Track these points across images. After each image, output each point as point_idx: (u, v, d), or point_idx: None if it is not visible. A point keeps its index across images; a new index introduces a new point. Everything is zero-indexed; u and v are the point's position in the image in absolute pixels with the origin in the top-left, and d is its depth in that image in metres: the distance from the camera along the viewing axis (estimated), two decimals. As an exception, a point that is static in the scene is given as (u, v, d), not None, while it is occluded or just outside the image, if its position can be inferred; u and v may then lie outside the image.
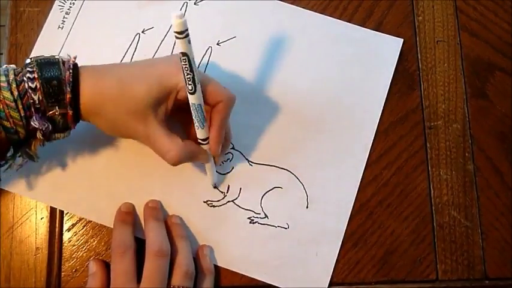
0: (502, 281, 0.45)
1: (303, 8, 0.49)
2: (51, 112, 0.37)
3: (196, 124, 0.39)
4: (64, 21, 0.48)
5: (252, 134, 0.46)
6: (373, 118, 0.47)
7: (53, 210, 0.45)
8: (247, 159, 0.46)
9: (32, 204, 0.45)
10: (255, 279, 0.44)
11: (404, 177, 0.46)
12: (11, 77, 0.36)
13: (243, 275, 0.44)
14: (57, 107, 0.37)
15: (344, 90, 0.48)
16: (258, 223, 0.45)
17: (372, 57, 0.48)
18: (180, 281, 0.40)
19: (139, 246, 0.42)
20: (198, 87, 0.37)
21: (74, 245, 0.44)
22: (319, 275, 0.44)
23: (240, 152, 0.46)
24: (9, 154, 0.39)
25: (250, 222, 0.45)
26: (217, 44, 0.48)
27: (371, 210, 0.45)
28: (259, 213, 0.45)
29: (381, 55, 0.48)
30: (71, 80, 0.36)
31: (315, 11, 0.49)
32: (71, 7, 0.49)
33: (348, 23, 0.49)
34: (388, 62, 0.48)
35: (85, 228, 0.45)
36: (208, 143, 0.41)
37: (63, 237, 0.45)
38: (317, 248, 0.44)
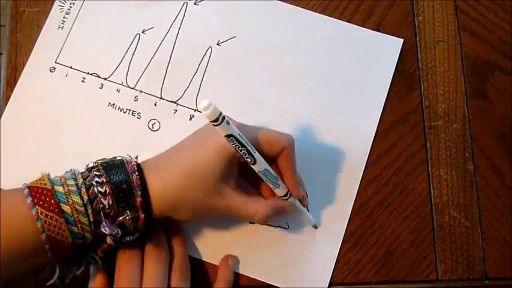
0: (502, 281, 0.45)
1: (303, 8, 0.49)
2: (121, 218, 0.36)
3: (271, 186, 0.39)
4: (64, 22, 0.48)
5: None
6: (372, 119, 0.47)
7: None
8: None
9: (32, 204, 0.45)
10: (254, 279, 0.44)
11: (404, 177, 0.46)
12: (80, 181, 0.35)
13: (242, 275, 0.44)
14: (128, 211, 0.36)
15: (344, 90, 0.48)
16: (258, 224, 0.45)
17: (371, 58, 0.48)
18: (177, 283, 0.39)
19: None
20: (257, 155, 0.37)
21: (74, 245, 0.44)
22: (319, 275, 0.44)
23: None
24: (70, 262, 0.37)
25: (250, 222, 0.45)
26: (218, 44, 0.48)
27: (371, 210, 0.45)
28: None
29: (381, 55, 0.48)
30: (139, 182, 0.36)
31: (315, 11, 0.49)
32: (71, 7, 0.49)
33: (348, 23, 0.49)
34: (388, 62, 0.48)
35: (85, 228, 0.45)
36: (289, 196, 0.40)
37: (64, 237, 0.45)
38: (317, 249, 0.44)
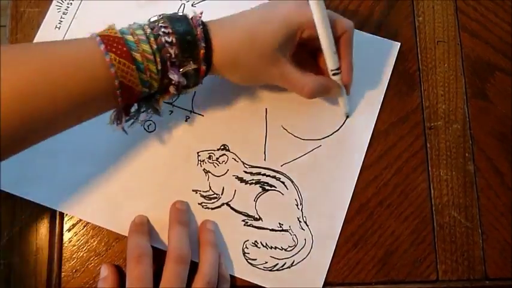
0: (502, 281, 0.45)
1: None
2: (185, 67, 0.37)
3: (326, 54, 0.41)
4: (61, 21, 0.48)
5: (248, 136, 0.46)
6: (369, 122, 0.47)
7: (53, 211, 0.45)
8: (242, 161, 0.46)
9: (33, 204, 0.45)
10: (247, 281, 0.44)
11: (404, 178, 0.46)
12: (148, 31, 0.36)
13: (236, 277, 0.44)
14: (191, 62, 0.37)
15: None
16: (252, 225, 0.45)
17: (368, 61, 0.48)
18: None
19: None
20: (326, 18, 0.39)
21: (74, 245, 0.44)
22: (313, 277, 0.44)
23: (235, 154, 0.46)
24: (133, 110, 0.39)
25: (244, 225, 0.45)
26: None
27: (371, 210, 0.45)
28: (254, 216, 0.45)
29: (378, 59, 0.48)
30: (203, 35, 0.37)
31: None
32: (68, 7, 0.49)
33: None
34: (385, 66, 0.48)
35: (85, 228, 0.45)
36: (339, 73, 0.42)
37: (64, 237, 0.45)
38: (311, 251, 0.44)
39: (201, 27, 0.38)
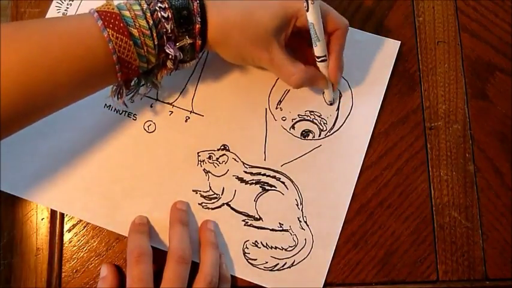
0: (502, 281, 0.45)
1: (304, 8, 0.49)
2: (181, 42, 0.38)
3: (313, 39, 0.41)
4: (62, 22, 0.48)
5: (248, 136, 0.46)
6: (369, 122, 0.47)
7: (53, 211, 0.45)
8: (242, 162, 0.46)
9: (33, 204, 0.45)
10: (247, 281, 0.44)
11: (404, 178, 0.46)
12: (144, 6, 0.37)
13: (236, 277, 0.44)
14: (187, 36, 0.38)
15: (341, 93, 0.48)
16: (253, 225, 0.45)
17: (369, 60, 0.48)
18: None
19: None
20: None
21: (74, 246, 0.44)
22: (313, 277, 0.44)
23: (235, 154, 0.46)
24: (132, 83, 0.40)
25: (244, 225, 0.45)
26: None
27: (371, 211, 0.45)
28: (254, 216, 0.45)
29: (379, 58, 0.48)
30: (199, 10, 0.38)
31: (316, 12, 0.49)
32: (68, 8, 0.49)
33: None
34: (385, 65, 0.48)
35: (86, 229, 0.45)
36: (325, 60, 0.43)
37: (64, 237, 0.45)
38: (311, 251, 0.44)
39: (197, 2, 0.38)
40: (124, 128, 0.46)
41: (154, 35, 0.37)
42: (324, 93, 0.47)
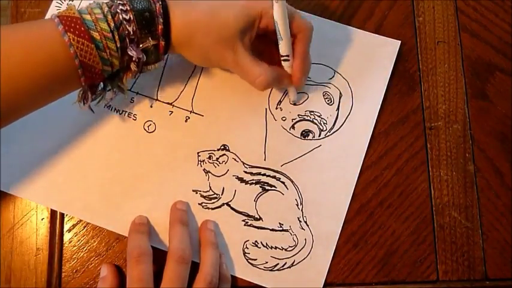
0: (502, 281, 0.45)
1: (304, 8, 0.49)
2: (144, 44, 0.38)
3: (278, 36, 0.41)
4: (63, 22, 0.48)
5: (248, 136, 0.46)
6: (369, 121, 0.47)
7: (53, 211, 0.45)
8: (242, 162, 0.46)
9: (33, 205, 0.45)
10: (247, 281, 0.44)
11: (404, 178, 0.46)
12: (105, 9, 0.37)
13: (236, 277, 0.44)
14: (150, 38, 0.38)
15: (341, 93, 0.48)
16: (253, 225, 0.45)
17: (369, 60, 0.48)
18: None
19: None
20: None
21: (74, 246, 0.44)
22: (314, 277, 0.44)
23: (235, 154, 0.46)
24: (99, 89, 0.40)
25: (244, 225, 0.45)
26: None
27: (371, 211, 0.45)
28: (254, 216, 0.45)
29: (379, 57, 0.48)
30: (161, 11, 0.37)
31: (316, 11, 0.49)
32: (69, 8, 0.49)
33: (346, 25, 0.49)
34: (385, 64, 0.48)
35: (86, 229, 0.45)
36: (288, 59, 0.43)
37: (64, 237, 0.45)
38: (311, 251, 0.44)
39: (159, 3, 0.38)
40: (124, 128, 0.46)
41: (116, 37, 0.36)
42: (287, 92, 0.47)
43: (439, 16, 0.50)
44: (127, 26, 0.37)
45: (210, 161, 0.46)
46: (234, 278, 0.44)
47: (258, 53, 0.42)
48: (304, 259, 0.44)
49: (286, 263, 0.44)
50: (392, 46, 0.49)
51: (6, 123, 0.37)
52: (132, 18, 0.37)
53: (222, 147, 0.46)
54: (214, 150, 0.46)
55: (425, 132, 0.47)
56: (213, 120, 0.47)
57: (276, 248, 0.44)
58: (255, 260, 0.44)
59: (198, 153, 0.46)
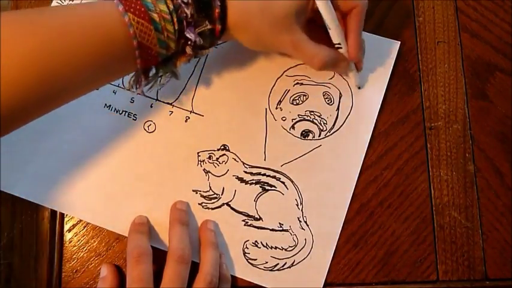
0: (502, 281, 0.45)
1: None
2: (201, 27, 0.38)
3: (327, 25, 0.41)
4: (63, 22, 0.48)
5: (248, 136, 0.46)
6: (368, 122, 0.47)
7: (53, 211, 0.45)
8: (242, 161, 0.46)
9: (33, 204, 0.45)
10: (247, 281, 0.44)
11: (404, 178, 0.46)
12: None
13: (236, 277, 0.44)
14: (207, 22, 0.38)
15: (341, 93, 0.48)
16: (253, 225, 0.45)
17: (369, 60, 0.48)
18: None
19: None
20: None
21: (74, 246, 0.44)
22: (314, 277, 0.44)
23: (235, 154, 0.46)
24: (151, 74, 0.40)
25: (244, 225, 0.45)
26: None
27: (371, 210, 0.45)
28: (254, 216, 0.45)
29: (378, 58, 0.48)
30: None
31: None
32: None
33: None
34: (385, 65, 0.48)
35: (86, 229, 0.45)
36: (340, 47, 0.42)
37: (64, 238, 0.45)
38: (311, 251, 0.44)
39: None
40: (124, 128, 0.46)
41: (175, 19, 0.36)
42: (348, 81, 0.47)
43: (439, 16, 0.50)
44: (185, 9, 0.36)
45: (210, 161, 0.46)
46: (234, 278, 0.44)
47: (311, 36, 0.42)
48: (304, 259, 0.44)
49: (286, 263, 0.44)
50: (392, 47, 0.49)
51: (61, 103, 0.37)
52: (190, 1, 0.37)
53: (222, 147, 0.46)
54: (214, 150, 0.46)
55: (425, 132, 0.47)
56: (213, 120, 0.47)
57: (276, 248, 0.44)
58: (255, 260, 0.44)
59: (198, 153, 0.46)
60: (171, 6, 0.36)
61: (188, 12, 0.37)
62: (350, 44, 0.42)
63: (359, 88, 0.47)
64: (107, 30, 0.35)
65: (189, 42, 0.38)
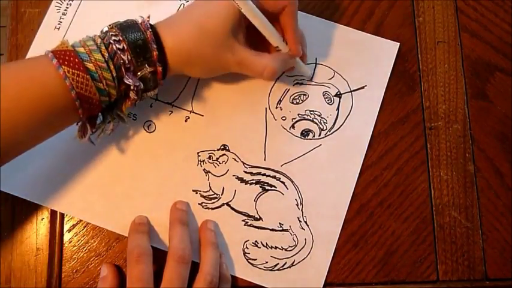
0: (502, 281, 0.45)
1: (304, 8, 0.49)
2: (141, 72, 0.38)
3: (260, 31, 0.41)
4: (61, 22, 0.48)
5: (248, 136, 0.46)
6: (368, 122, 0.47)
7: (53, 211, 0.45)
8: (242, 161, 0.46)
9: (33, 204, 0.45)
10: (247, 280, 0.44)
11: (404, 178, 0.46)
12: (98, 40, 0.37)
13: (236, 277, 0.44)
14: (146, 65, 0.38)
15: (341, 93, 0.48)
16: (253, 225, 0.45)
17: (368, 61, 0.48)
18: None
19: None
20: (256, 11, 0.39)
21: (74, 246, 0.44)
22: (313, 277, 0.44)
23: (235, 154, 0.46)
24: (98, 121, 0.40)
25: (244, 225, 0.45)
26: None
27: (371, 210, 0.45)
28: (254, 216, 0.45)
29: (377, 59, 0.48)
30: (153, 37, 0.38)
31: (316, 12, 0.49)
32: (67, 8, 0.49)
33: (345, 26, 0.49)
34: (384, 66, 0.48)
35: (86, 229, 0.45)
36: (279, 50, 0.42)
37: (64, 237, 0.45)
38: (311, 250, 0.44)
39: (150, 30, 0.38)
40: (124, 128, 0.46)
41: (112, 67, 0.37)
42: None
43: (439, 16, 0.50)
44: (121, 55, 0.37)
45: (210, 161, 0.46)
46: (234, 278, 0.44)
47: (255, 44, 0.42)
48: (304, 259, 0.44)
49: (286, 263, 0.44)
50: (392, 48, 0.49)
51: (6, 160, 0.37)
52: (125, 47, 0.37)
53: (222, 147, 0.46)
54: (214, 150, 0.46)
55: (425, 132, 0.47)
56: (213, 120, 0.47)
57: (276, 248, 0.44)
58: (255, 260, 0.44)
59: (198, 153, 0.46)
60: (106, 55, 0.37)
61: (125, 58, 0.37)
62: (289, 42, 0.42)
63: (311, 78, 0.47)
64: (44, 85, 0.35)
65: (131, 87, 0.38)
